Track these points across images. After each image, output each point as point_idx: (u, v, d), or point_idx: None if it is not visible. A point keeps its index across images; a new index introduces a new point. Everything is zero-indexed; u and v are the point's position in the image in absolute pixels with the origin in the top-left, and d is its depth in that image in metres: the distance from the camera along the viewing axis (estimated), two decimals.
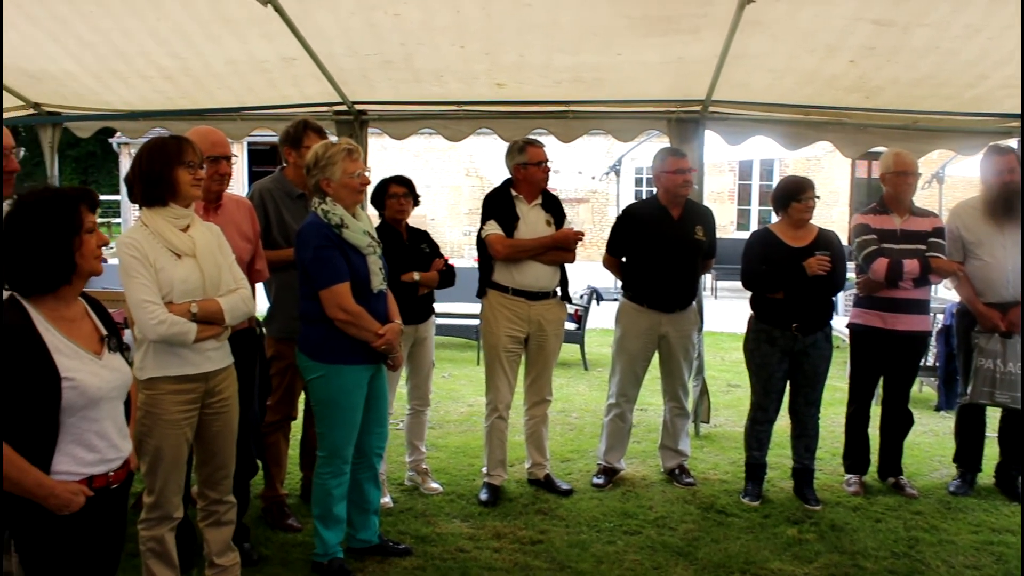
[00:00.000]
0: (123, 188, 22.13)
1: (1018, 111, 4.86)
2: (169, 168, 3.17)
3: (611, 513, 4.75)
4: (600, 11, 4.16)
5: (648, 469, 5.50)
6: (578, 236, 4.91)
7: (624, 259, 5.13)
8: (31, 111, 5.82)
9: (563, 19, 4.27)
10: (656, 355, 5.18)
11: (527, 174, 4.83)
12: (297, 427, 4.83)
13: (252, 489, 4.33)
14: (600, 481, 5.18)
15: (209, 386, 3.32)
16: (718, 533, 4.49)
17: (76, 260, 2.43)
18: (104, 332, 2.58)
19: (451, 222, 20.69)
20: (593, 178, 19.43)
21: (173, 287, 3.15)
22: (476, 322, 8.64)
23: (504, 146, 5.07)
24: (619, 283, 5.38)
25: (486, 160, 20.22)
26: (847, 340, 5.39)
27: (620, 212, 5.38)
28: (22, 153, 2.92)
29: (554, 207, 4.95)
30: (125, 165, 22.40)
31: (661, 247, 4.91)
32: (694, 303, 5.20)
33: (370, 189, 4.18)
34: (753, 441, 5.01)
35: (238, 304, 3.33)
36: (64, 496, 2.35)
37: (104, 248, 2.56)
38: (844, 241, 5.01)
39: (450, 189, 20.94)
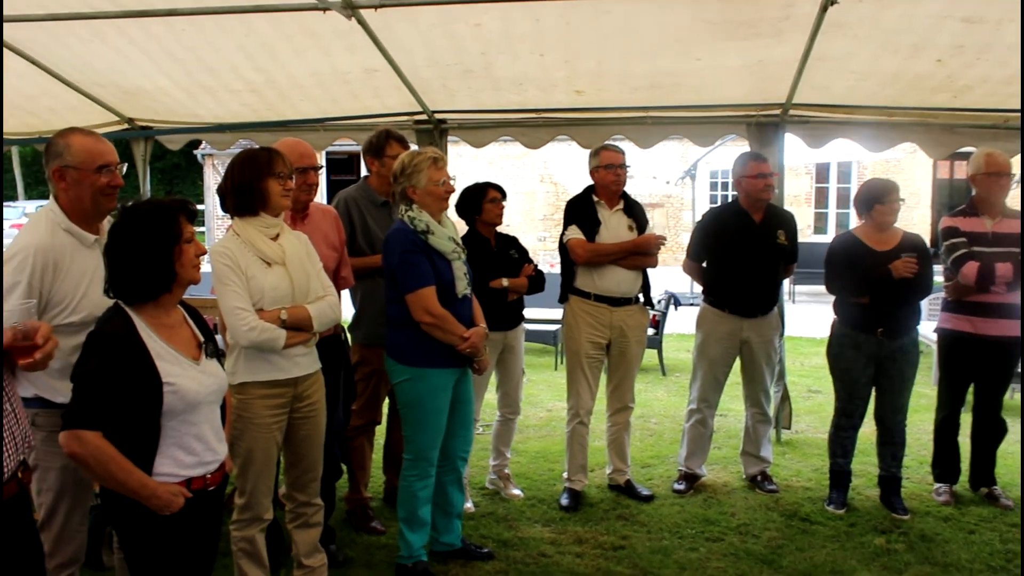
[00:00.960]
0: (207, 199, 22.85)
1: None
2: (260, 179, 3.28)
3: (693, 519, 4.72)
4: (680, 17, 4.15)
5: (729, 475, 5.45)
6: (660, 240, 4.91)
7: (705, 264, 5.10)
8: (125, 126, 6.04)
9: (642, 26, 4.27)
10: (737, 360, 5.14)
11: (600, 177, 4.85)
12: (381, 432, 4.91)
13: (337, 492, 4.42)
14: (681, 487, 5.15)
15: (298, 391, 3.40)
16: (803, 541, 4.42)
17: (176, 269, 2.52)
18: (201, 338, 2.66)
19: (526, 228, 20.73)
20: (668, 183, 19.32)
21: (264, 294, 3.24)
22: (554, 327, 8.73)
23: (580, 152, 5.09)
24: (695, 288, 5.36)
25: (561, 166, 20.24)
26: (932, 345, 5.26)
27: (700, 217, 5.35)
28: (124, 168, 3.04)
29: (636, 212, 4.95)
30: (209, 176, 23.04)
31: (743, 251, 4.87)
32: (776, 308, 5.14)
33: (453, 197, 4.24)
34: (837, 448, 4.92)
35: (326, 311, 3.41)
36: (165, 497, 2.43)
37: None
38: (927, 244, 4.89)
39: (525, 195, 21.00)
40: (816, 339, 9.77)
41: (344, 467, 4.58)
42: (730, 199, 5.25)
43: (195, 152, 22.11)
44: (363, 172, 4.93)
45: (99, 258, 2.84)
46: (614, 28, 4.30)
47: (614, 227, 4.85)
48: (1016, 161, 5.13)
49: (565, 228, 4.92)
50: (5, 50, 4.79)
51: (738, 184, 4.95)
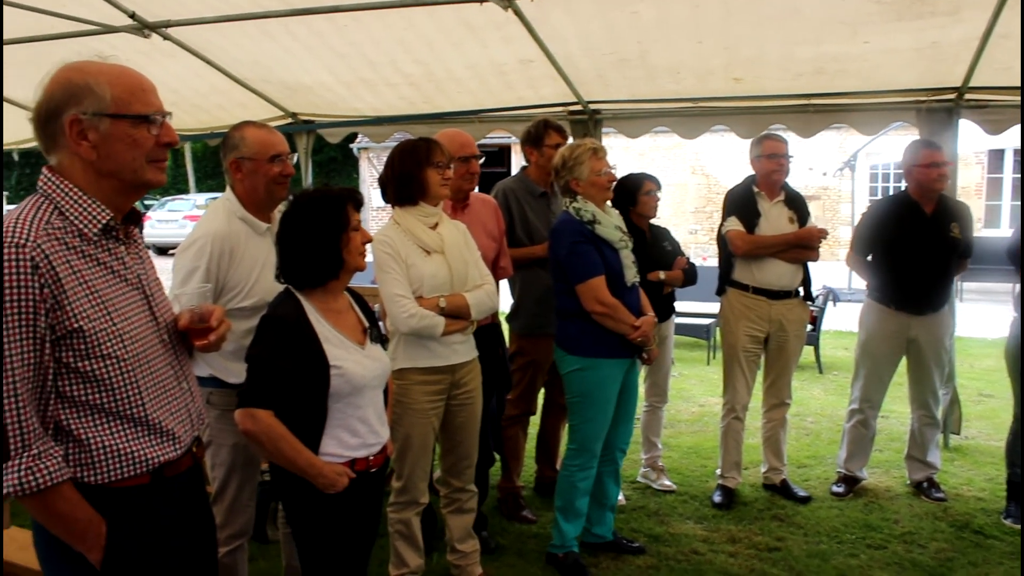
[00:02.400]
0: (363, 191, 23.61)
1: None
2: (419, 169, 3.34)
3: (852, 524, 4.53)
4: None
5: (892, 480, 5.19)
6: (822, 233, 4.73)
7: (870, 258, 4.86)
8: (289, 120, 6.30)
9: (806, 9, 4.09)
10: (904, 360, 4.88)
11: (762, 167, 4.70)
12: (535, 422, 4.93)
13: (490, 480, 4.47)
14: (840, 490, 4.95)
15: (455, 378, 3.45)
16: (976, 555, 4.15)
17: (343, 256, 2.59)
18: (366, 324, 2.73)
19: (677, 220, 20.41)
20: (824, 174, 18.57)
21: (423, 282, 3.31)
22: (706, 321, 8.57)
23: (733, 143, 4.95)
24: (854, 283, 5.12)
25: (713, 157, 19.82)
26: None
27: (864, 209, 5.11)
28: (295, 159, 3.16)
29: (797, 204, 4.78)
30: (364, 169, 23.81)
31: (912, 245, 4.61)
32: (947, 306, 4.84)
33: None
34: (1017, 457, 4.59)
35: (483, 299, 3.44)
36: (331, 476, 2.50)
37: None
38: None
39: (676, 187, 20.68)
40: (988, 340, 9.18)
41: (497, 456, 4.64)
42: (891, 192, 4.98)
43: (351, 146, 22.85)
44: (514, 164, 4.96)
45: (271, 246, 2.96)
46: (776, 12, 4.15)
47: (774, 219, 4.71)
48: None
49: (724, 219, 4.81)
50: (181, 50, 5.08)
51: (908, 174, 4.69)
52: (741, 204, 4.76)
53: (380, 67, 5.22)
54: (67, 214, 1.87)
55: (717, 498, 4.84)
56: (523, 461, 4.85)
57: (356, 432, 2.61)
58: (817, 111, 5.34)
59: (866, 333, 4.89)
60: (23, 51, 5.15)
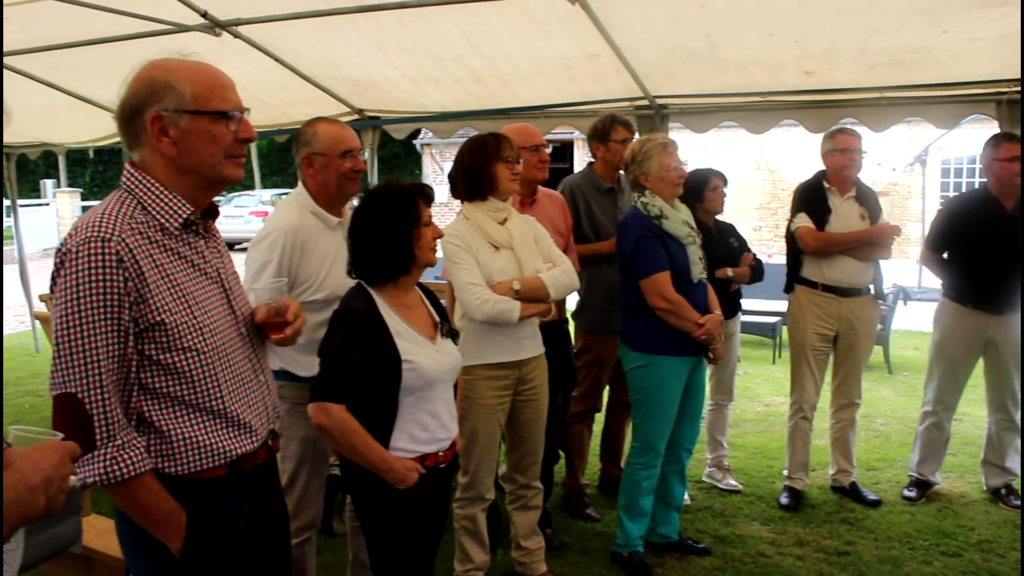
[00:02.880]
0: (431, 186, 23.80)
1: None
2: (488, 164, 3.34)
3: (925, 530, 4.40)
4: None
5: (967, 486, 5.03)
6: (895, 231, 4.61)
7: (946, 255, 4.72)
8: (356, 116, 6.34)
9: None
10: (980, 361, 4.73)
11: (834, 162, 4.60)
12: (599, 419, 4.90)
13: (554, 477, 4.45)
14: (912, 494, 4.82)
15: (522, 373, 3.44)
16: None
17: (415, 252, 2.60)
18: (437, 319, 2.73)
19: (741, 217, 20.14)
20: (894, 170, 18.15)
21: (492, 277, 3.30)
22: (772, 319, 8.44)
23: (799, 138, 4.84)
24: (925, 281, 4.97)
25: (778, 153, 19.51)
26: None
27: (941, 204, 4.96)
28: (365, 154, 3.17)
29: (869, 200, 4.67)
30: (427, 165, 23.94)
31: (991, 242, 4.45)
32: None
33: None
34: None
35: (560, 277, 3.41)
36: (401, 472, 2.51)
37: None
38: None
39: (740, 183, 20.39)
40: None
41: (561, 453, 4.62)
42: (964, 188, 4.82)
43: (414, 141, 23.00)
44: (576, 160, 4.92)
45: (342, 240, 2.99)
46: (852, 2, 4.04)
47: (845, 215, 4.60)
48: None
49: (793, 216, 4.71)
50: (251, 48, 5.16)
51: (988, 168, 4.53)
52: (811, 200, 4.66)
53: (446, 62, 5.23)
54: (149, 209, 1.90)
55: (784, 499, 4.76)
56: (587, 458, 4.82)
57: (426, 427, 2.61)
58: (891, 104, 5.19)
59: (941, 333, 4.75)
60: (97, 52, 5.29)
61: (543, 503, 3.88)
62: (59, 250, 1.82)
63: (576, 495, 4.67)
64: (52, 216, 24.35)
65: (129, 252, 1.80)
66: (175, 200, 1.92)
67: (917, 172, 15.80)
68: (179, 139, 1.89)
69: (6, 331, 11.53)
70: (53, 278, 1.82)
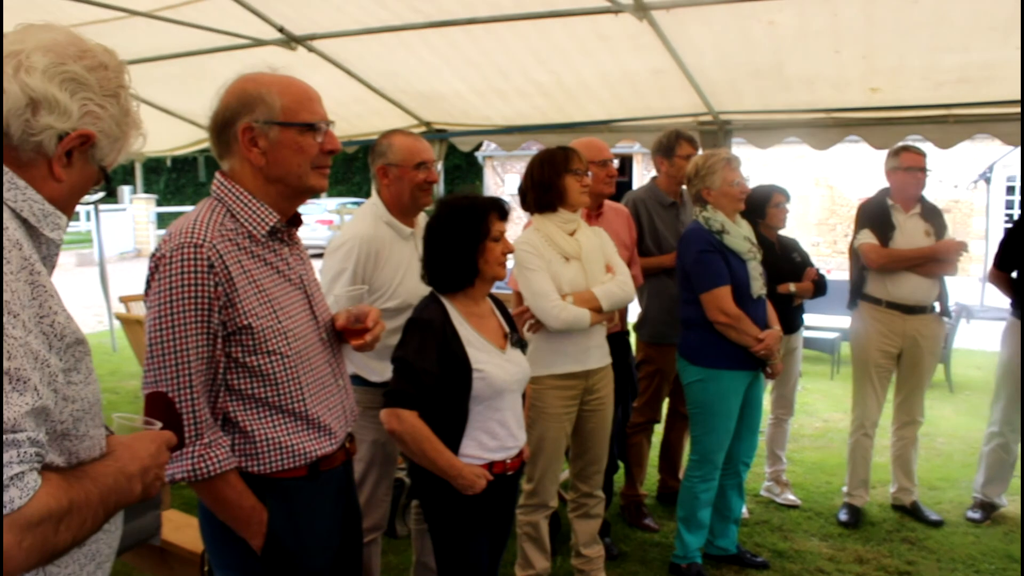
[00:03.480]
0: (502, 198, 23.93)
1: None
2: (559, 176, 3.40)
3: (991, 553, 4.35)
4: (1000, 1, 3.80)
5: None
6: (961, 247, 4.57)
7: (1015, 274, 4.67)
8: (423, 129, 6.47)
9: (954, 14, 3.97)
10: None
11: (899, 180, 4.59)
12: (658, 431, 4.93)
13: (614, 486, 4.50)
14: (976, 516, 4.77)
15: (589, 384, 3.50)
16: None
17: (479, 266, 2.66)
18: (507, 329, 2.80)
19: (799, 232, 19.87)
20: (956, 187, 17.75)
21: (561, 288, 3.36)
22: (831, 335, 8.38)
23: (859, 154, 4.81)
24: (987, 299, 4.89)
25: (837, 169, 19.26)
26: None
27: (1010, 223, 4.91)
28: (439, 166, 3.27)
29: (934, 217, 4.64)
30: (488, 177, 24.08)
31: None
32: None
33: None
34: None
35: (612, 290, 3.46)
36: (470, 478, 2.56)
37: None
38: None
39: (799, 199, 20.08)
40: None
41: (620, 463, 4.66)
42: None
43: (476, 153, 23.18)
44: (635, 174, 4.97)
45: (414, 250, 3.09)
46: (921, 19, 4.03)
47: (909, 232, 4.58)
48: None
49: (856, 232, 4.71)
50: (324, 62, 5.31)
51: None
52: (875, 217, 4.65)
53: (512, 77, 5.32)
54: (238, 216, 1.99)
55: (843, 516, 4.74)
56: (646, 469, 4.86)
57: (495, 435, 2.66)
58: (958, 121, 5.14)
59: (1009, 353, 4.68)
60: (178, 65, 5.50)
61: (603, 512, 3.93)
62: (153, 255, 1.90)
63: (635, 505, 4.71)
64: (129, 221, 25.09)
65: (219, 258, 1.89)
66: (262, 208, 2.01)
67: (980, 190, 15.46)
68: (268, 149, 1.97)
69: (87, 330, 11.90)
70: (148, 281, 1.91)
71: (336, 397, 2.16)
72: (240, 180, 2.01)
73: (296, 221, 2.15)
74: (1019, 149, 10.42)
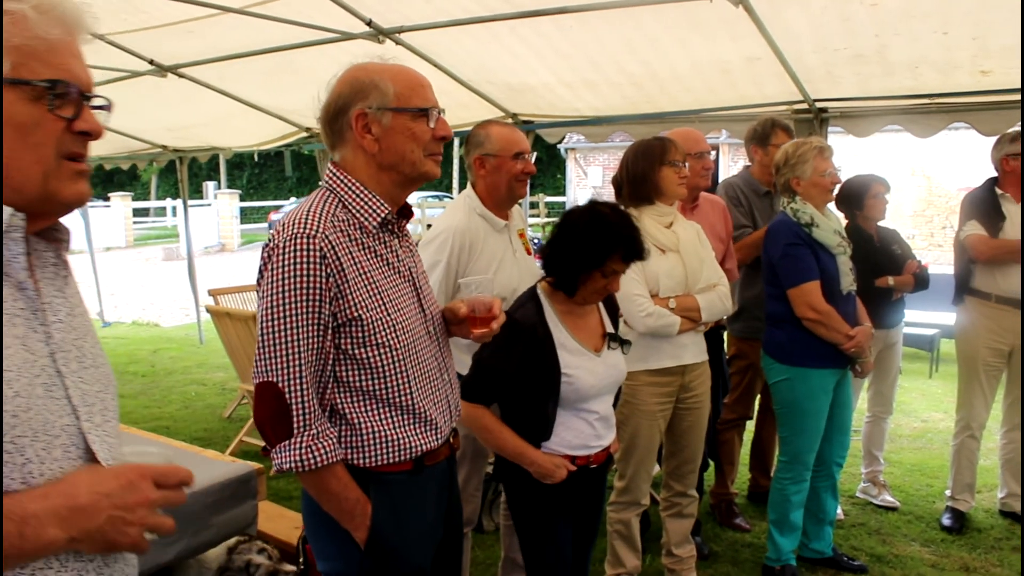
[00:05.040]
0: (569, 191, 23.88)
1: None
2: (654, 168, 3.32)
3: None
4: None
5: None
6: None
7: None
8: (509, 120, 6.42)
9: None
10: None
11: (1017, 166, 4.34)
12: (750, 428, 4.81)
13: (704, 484, 4.40)
14: None
15: (684, 380, 3.41)
16: None
17: (579, 286, 2.64)
18: (607, 327, 2.74)
19: (894, 224, 19.18)
20: None
21: (658, 280, 3.29)
22: (930, 331, 8.08)
23: (957, 142, 4.58)
24: None
25: (934, 158, 18.60)
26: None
27: None
28: (534, 156, 3.22)
29: None
30: (571, 169, 24.04)
31: None
32: None
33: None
34: None
35: (715, 301, 3.39)
36: (548, 467, 2.56)
37: None
38: None
39: (894, 189, 19.53)
40: None
41: (711, 461, 4.56)
42: None
43: (558, 146, 23.16)
44: (722, 165, 4.85)
45: (508, 242, 3.05)
46: None
47: (1021, 222, 4.35)
48: None
49: (962, 224, 4.50)
50: (411, 54, 5.30)
51: None
52: (982, 207, 4.44)
53: (603, 67, 5.23)
54: (350, 207, 1.98)
55: (947, 521, 4.55)
56: (738, 467, 4.75)
57: (580, 433, 2.64)
58: None
59: None
60: (265, 61, 5.57)
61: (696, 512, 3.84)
62: (266, 245, 1.90)
63: (726, 504, 4.61)
64: (214, 216, 25.82)
65: (331, 249, 1.87)
66: (374, 199, 1.99)
67: None
68: (382, 136, 1.95)
69: (174, 323, 12.29)
70: (260, 272, 1.91)
71: (442, 391, 2.14)
72: (352, 170, 2.01)
73: (407, 212, 2.13)
74: None
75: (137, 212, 30.69)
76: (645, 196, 3.36)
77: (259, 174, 38.71)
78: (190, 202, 9.95)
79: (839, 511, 4.53)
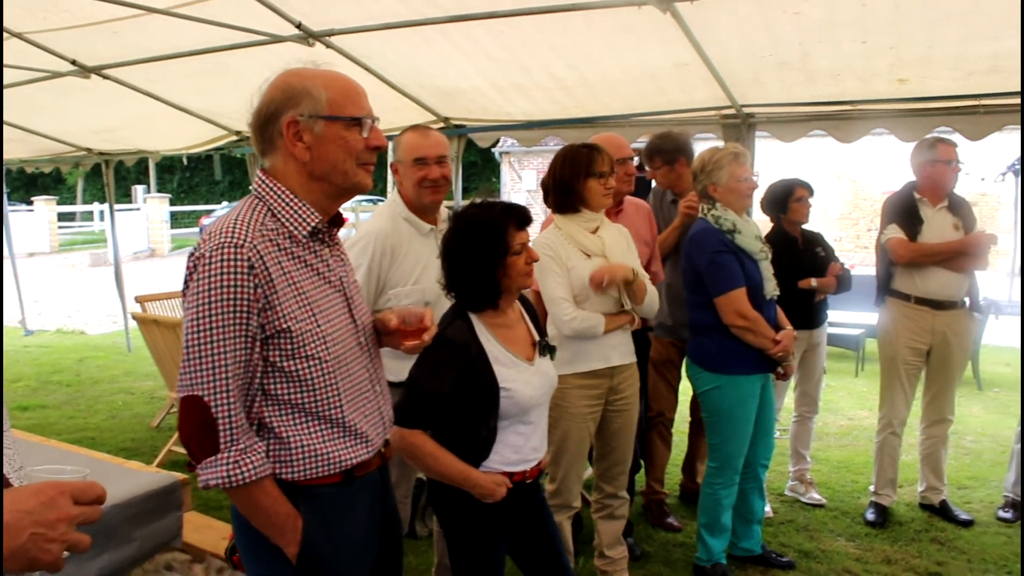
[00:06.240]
0: (504, 196, 23.83)
1: None
2: (579, 179, 3.31)
3: None
4: None
5: None
6: (991, 239, 4.49)
7: None
8: (441, 125, 6.41)
9: (986, 3, 3.87)
10: None
11: (934, 172, 4.49)
12: (683, 432, 4.87)
13: (635, 486, 4.44)
14: (1008, 515, 4.69)
15: (613, 383, 3.43)
16: None
17: (502, 284, 2.55)
18: (536, 337, 2.71)
19: (821, 227, 19.61)
20: (983, 180, 17.58)
21: (584, 283, 3.29)
22: (856, 331, 8.28)
23: (881, 147, 4.73)
24: (1014, 294, 4.80)
25: (860, 162, 19.09)
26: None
27: None
28: (455, 161, 3.20)
29: (963, 211, 4.55)
30: (505, 173, 24.04)
31: None
32: None
33: (758, 194, 4.14)
34: None
35: (654, 294, 3.43)
36: (489, 486, 2.50)
37: None
38: None
39: (820, 193, 19.96)
40: None
41: (643, 462, 4.61)
42: None
43: (493, 150, 23.16)
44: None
45: (434, 246, 3.03)
46: (951, 7, 3.94)
47: (938, 226, 4.50)
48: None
49: (883, 227, 4.63)
50: (342, 58, 5.26)
51: None
52: (902, 211, 4.57)
53: (534, 72, 5.25)
54: (279, 216, 1.93)
55: (870, 516, 4.67)
56: (662, 467, 4.78)
57: (519, 449, 2.59)
58: (988, 112, 5.03)
59: None
60: (193, 63, 5.48)
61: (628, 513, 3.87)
62: (192, 254, 1.85)
63: (657, 504, 4.66)
64: (143, 220, 25.26)
65: (260, 259, 1.83)
66: (304, 208, 1.95)
67: (1008, 183, 15.28)
68: (313, 144, 1.91)
69: (101, 330, 11.98)
70: (186, 281, 1.85)
71: (373, 403, 2.11)
72: (283, 178, 1.96)
73: (338, 221, 2.09)
74: None
75: (63, 216, 29.85)
76: (570, 205, 3.36)
77: (190, 178, 37.97)
78: (118, 206, 9.76)
79: (768, 509, 4.62)
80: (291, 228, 1.94)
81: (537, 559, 2.76)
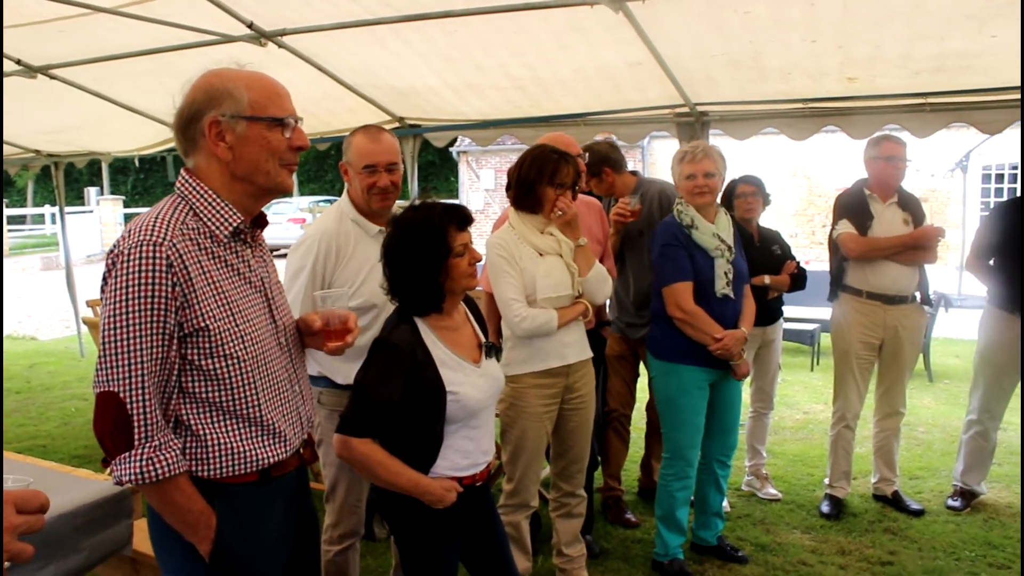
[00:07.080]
0: (462, 195, 23.82)
1: None
2: (541, 184, 3.33)
3: (971, 541, 4.36)
4: None
5: (1013, 496, 4.97)
6: (939, 233, 4.57)
7: (992, 262, 4.67)
8: (396, 124, 6.39)
9: (930, 3, 3.95)
10: None
11: (879, 170, 4.57)
12: (637, 427, 4.90)
13: (594, 483, 4.45)
14: (956, 504, 4.78)
15: (569, 382, 3.44)
16: None
17: (444, 288, 2.50)
18: (482, 338, 2.69)
19: (776, 224, 19.86)
20: (933, 176, 17.92)
21: (536, 281, 3.29)
22: (811, 327, 8.39)
23: (835, 144, 4.81)
24: (965, 288, 4.90)
25: (814, 160, 19.36)
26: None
27: (986, 211, 4.91)
28: (400, 169, 3.16)
29: (912, 206, 4.64)
30: (463, 172, 24.02)
31: None
32: None
33: None
34: None
35: (600, 271, 3.46)
36: (439, 492, 2.45)
37: None
38: None
39: (775, 190, 20.19)
40: None
41: (600, 459, 4.63)
42: (1005, 194, 4.75)
43: (450, 149, 23.10)
44: None
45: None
46: (897, 8, 4.02)
47: (888, 222, 4.57)
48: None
49: (835, 223, 4.69)
50: (295, 58, 5.22)
51: None
52: (853, 207, 4.64)
53: (488, 71, 5.26)
54: (201, 215, 1.94)
55: (825, 508, 4.73)
56: (623, 463, 4.81)
57: (467, 453, 2.55)
58: (935, 110, 5.13)
59: (986, 340, 4.70)
60: (144, 63, 5.41)
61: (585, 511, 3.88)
62: (111, 252, 1.85)
63: (614, 501, 4.68)
64: (96, 223, 24.81)
65: (179, 257, 1.83)
66: (227, 208, 1.95)
67: (956, 178, 15.59)
68: (235, 144, 1.92)
69: (53, 335, 11.76)
70: (104, 279, 1.85)
71: (292, 403, 2.11)
72: (205, 178, 1.96)
73: (261, 222, 2.09)
74: (989, 137, 10.49)
75: (12, 219, 29.27)
76: (527, 206, 3.38)
77: (144, 179, 37.42)
78: (71, 209, 9.59)
79: (725, 503, 4.65)
80: (213, 228, 1.95)
81: (486, 561, 2.75)
